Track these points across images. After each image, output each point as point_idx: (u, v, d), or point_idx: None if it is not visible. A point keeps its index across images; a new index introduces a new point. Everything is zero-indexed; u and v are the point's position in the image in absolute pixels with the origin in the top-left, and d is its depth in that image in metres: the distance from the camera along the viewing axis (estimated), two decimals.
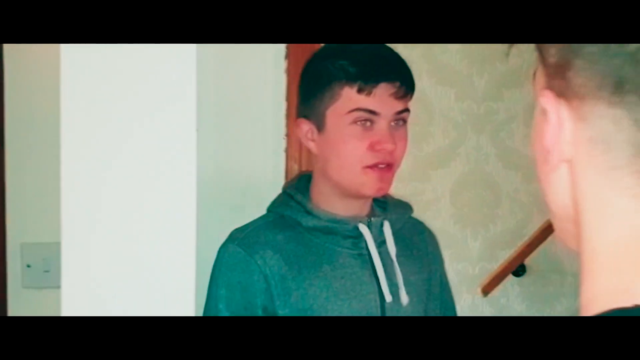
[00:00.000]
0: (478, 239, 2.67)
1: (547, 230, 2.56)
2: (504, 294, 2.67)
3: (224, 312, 1.07)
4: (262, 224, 1.12)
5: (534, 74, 0.53)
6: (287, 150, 1.36)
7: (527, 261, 2.64)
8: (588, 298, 0.48)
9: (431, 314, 1.20)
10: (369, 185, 1.08)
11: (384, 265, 1.12)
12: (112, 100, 0.88)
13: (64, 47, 0.85)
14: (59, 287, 0.89)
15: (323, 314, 1.07)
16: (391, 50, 1.09)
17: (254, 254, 1.07)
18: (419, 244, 1.22)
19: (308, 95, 1.11)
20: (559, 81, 0.47)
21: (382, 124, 1.07)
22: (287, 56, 1.31)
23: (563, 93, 0.47)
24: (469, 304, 2.66)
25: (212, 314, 1.08)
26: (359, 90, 1.05)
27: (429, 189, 2.63)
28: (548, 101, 0.48)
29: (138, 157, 0.90)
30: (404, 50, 2.58)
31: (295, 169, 1.38)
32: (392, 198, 1.18)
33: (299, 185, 1.16)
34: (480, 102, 2.63)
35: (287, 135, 1.32)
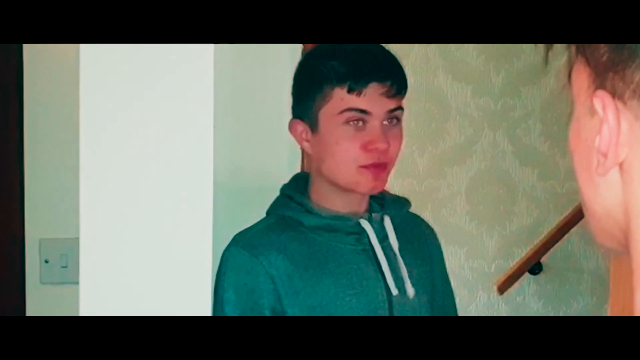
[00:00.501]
0: (494, 237, 2.65)
1: (564, 228, 2.54)
2: (520, 292, 2.66)
3: (230, 315, 1.08)
4: (264, 226, 1.13)
5: (569, 74, 0.52)
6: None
7: (544, 259, 2.62)
8: None
9: (435, 305, 1.21)
10: (364, 184, 1.08)
11: (387, 259, 1.13)
12: (130, 98, 0.89)
13: (83, 47, 0.86)
14: (76, 283, 0.90)
15: (332, 310, 1.08)
16: (382, 48, 1.09)
17: (258, 255, 1.08)
18: (419, 237, 1.23)
19: (301, 96, 1.12)
20: (614, 81, 0.45)
21: (374, 124, 1.07)
22: (303, 54, 1.31)
23: (619, 92, 0.45)
24: (484, 302, 2.65)
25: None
26: (349, 91, 1.05)
27: (444, 185, 2.62)
28: (604, 102, 0.46)
29: (156, 155, 0.90)
30: (419, 46, 2.57)
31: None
32: (389, 194, 1.19)
33: (296, 186, 1.17)
34: (496, 98, 2.61)
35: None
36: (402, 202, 1.20)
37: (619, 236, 0.48)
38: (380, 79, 1.06)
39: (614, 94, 0.46)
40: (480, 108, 2.60)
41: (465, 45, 2.57)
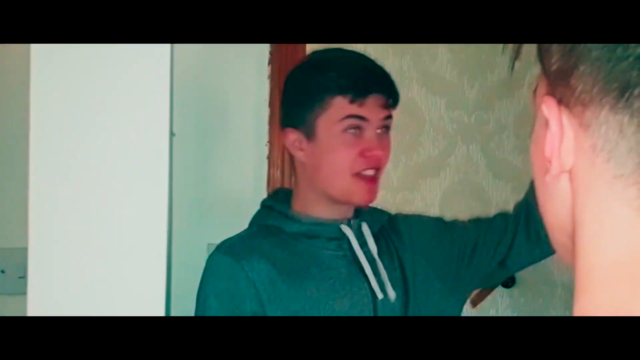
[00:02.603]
0: None
1: None
2: (493, 305, 2.65)
3: None
4: (246, 234, 1.15)
5: (535, 89, 0.52)
6: (269, 158, 1.34)
7: (517, 273, 2.62)
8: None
9: (411, 305, 1.23)
10: (359, 194, 1.11)
11: (364, 264, 1.14)
12: (82, 103, 0.86)
13: (34, 47, 0.83)
14: None
15: (316, 314, 1.09)
16: (375, 63, 1.12)
17: (240, 260, 1.09)
18: (396, 241, 1.24)
19: (295, 106, 1.13)
20: (561, 88, 0.46)
21: (370, 131, 1.10)
22: (271, 62, 1.29)
23: (565, 100, 0.45)
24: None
25: None
26: (352, 101, 1.08)
27: (418, 198, 2.61)
28: (549, 108, 0.46)
29: (108, 162, 0.87)
30: (393, 58, 2.58)
31: (277, 176, 1.36)
32: (368, 206, 1.21)
33: (276, 198, 1.19)
34: (470, 112, 2.62)
35: (270, 142, 1.31)
36: (380, 213, 1.24)
37: (572, 248, 0.47)
38: (379, 91, 1.09)
39: (561, 101, 0.46)
40: (454, 121, 2.61)
41: (439, 58, 2.57)
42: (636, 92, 0.41)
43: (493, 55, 2.59)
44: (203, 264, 1.33)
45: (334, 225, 1.12)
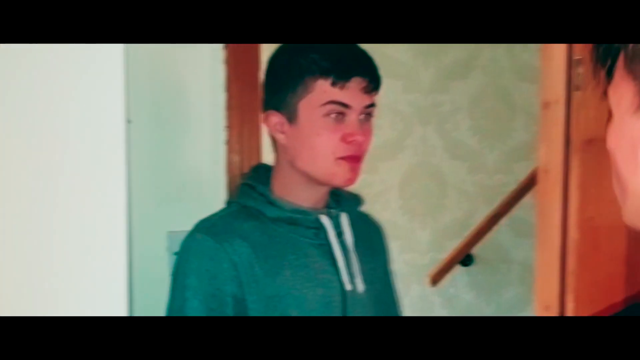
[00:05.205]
0: (426, 230, 2.70)
1: (493, 220, 2.61)
2: (452, 283, 2.71)
3: (191, 301, 1.08)
4: (226, 214, 1.14)
5: (605, 92, 0.61)
6: (228, 143, 1.34)
7: (475, 251, 2.68)
8: None
9: (380, 300, 1.26)
10: (340, 175, 1.11)
11: (342, 255, 1.15)
12: (37, 93, 0.84)
13: None
14: None
15: (290, 301, 1.10)
16: (358, 46, 1.11)
17: (222, 242, 1.08)
18: (370, 235, 1.25)
19: (277, 88, 1.12)
20: None
21: (352, 117, 1.10)
22: (227, 47, 1.28)
23: None
24: (418, 294, 2.69)
25: (178, 303, 1.08)
26: (333, 84, 1.08)
27: (377, 181, 2.64)
28: None
29: (65, 152, 0.86)
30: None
31: (236, 160, 1.36)
32: (345, 191, 1.21)
33: (257, 177, 1.17)
34: (426, 94, 2.65)
35: (228, 127, 1.30)
36: (357, 199, 1.24)
37: None
38: (361, 74, 1.09)
39: None
40: (411, 104, 2.64)
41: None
42: None
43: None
44: (163, 252, 1.32)
45: (314, 214, 1.12)
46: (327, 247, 1.15)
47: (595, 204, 1.27)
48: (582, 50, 1.26)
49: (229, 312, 1.07)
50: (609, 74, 0.60)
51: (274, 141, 1.15)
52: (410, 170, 2.66)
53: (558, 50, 1.28)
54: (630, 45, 0.57)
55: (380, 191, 2.64)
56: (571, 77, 1.27)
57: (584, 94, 1.26)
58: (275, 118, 1.12)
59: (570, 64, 1.27)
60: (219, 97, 1.26)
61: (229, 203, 1.17)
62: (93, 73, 0.85)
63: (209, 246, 1.07)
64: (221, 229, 1.09)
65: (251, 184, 1.15)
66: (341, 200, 1.21)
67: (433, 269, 2.64)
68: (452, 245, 2.65)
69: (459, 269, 2.69)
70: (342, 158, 1.10)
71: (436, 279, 2.62)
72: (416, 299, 2.68)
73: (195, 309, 1.06)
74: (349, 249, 1.17)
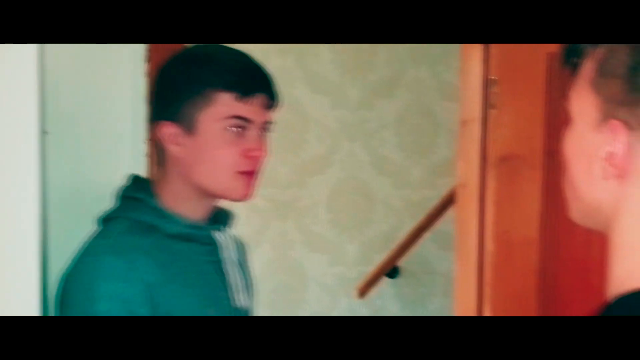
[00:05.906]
0: (354, 243, 2.74)
1: (418, 233, 2.68)
2: (379, 295, 2.76)
3: None
4: (123, 230, 1.06)
5: (566, 96, 0.64)
6: (149, 155, 1.31)
7: (401, 263, 2.74)
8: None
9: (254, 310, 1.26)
10: (238, 190, 1.10)
11: (229, 271, 1.15)
12: None
13: None
14: None
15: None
16: (255, 61, 1.12)
17: (132, 261, 1.02)
18: (241, 250, 1.26)
19: (174, 99, 1.09)
20: (624, 113, 0.59)
21: (253, 132, 1.10)
22: (149, 59, 1.27)
23: (630, 123, 0.59)
24: (346, 306, 2.72)
25: None
26: (238, 98, 1.06)
27: (306, 195, 2.66)
28: (616, 129, 0.60)
29: None
30: (277, 58, 2.60)
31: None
32: (218, 206, 1.19)
33: (141, 189, 1.12)
34: (353, 110, 2.71)
35: (150, 139, 1.28)
36: (231, 214, 1.22)
37: (599, 219, 0.64)
38: (263, 90, 1.09)
39: (625, 123, 0.59)
40: (338, 120, 2.69)
41: (322, 58, 2.64)
42: None
43: (372, 55, 2.70)
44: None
45: (208, 229, 1.10)
46: (219, 263, 1.13)
47: (509, 217, 1.34)
48: (497, 70, 1.33)
49: None
50: (574, 73, 0.62)
51: (162, 152, 1.11)
52: (338, 185, 2.70)
53: (474, 70, 1.34)
54: (601, 61, 0.61)
55: (309, 205, 2.66)
56: (487, 96, 1.34)
57: (499, 113, 1.33)
58: (170, 129, 1.08)
59: (486, 83, 1.34)
60: (140, 110, 1.24)
61: (115, 218, 1.09)
62: (3, 76, 0.81)
63: (118, 267, 1.01)
64: (125, 248, 1.03)
65: (138, 197, 1.10)
66: (218, 214, 1.17)
67: (360, 281, 2.68)
68: (379, 258, 2.70)
69: (385, 281, 2.74)
70: (241, 173, 1.09)
71: (363, 291, 2.66)
72: (345, 310, 2.71)
73: None
74: (235, 264, 1.17)
